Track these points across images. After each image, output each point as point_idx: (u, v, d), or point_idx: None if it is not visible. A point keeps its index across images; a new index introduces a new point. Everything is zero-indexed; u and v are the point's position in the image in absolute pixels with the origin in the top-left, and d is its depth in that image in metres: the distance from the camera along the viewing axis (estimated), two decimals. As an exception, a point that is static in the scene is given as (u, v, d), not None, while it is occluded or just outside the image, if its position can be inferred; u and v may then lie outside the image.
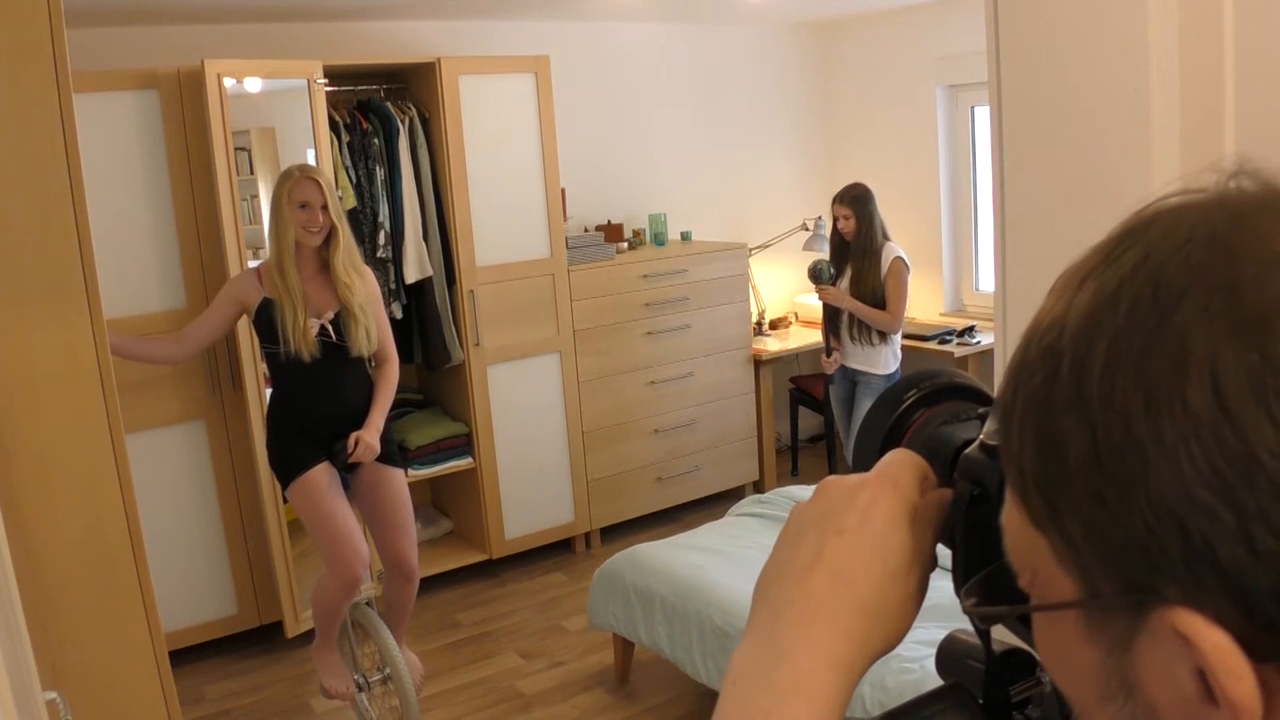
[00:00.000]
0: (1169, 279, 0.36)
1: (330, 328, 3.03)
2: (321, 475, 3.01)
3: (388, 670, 3.10)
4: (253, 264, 3.52)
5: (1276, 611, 0.34)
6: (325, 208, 2.97)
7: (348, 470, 3.09)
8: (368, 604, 3.16)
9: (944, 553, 0.56)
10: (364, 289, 3.07)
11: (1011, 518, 0.43)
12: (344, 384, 3.08)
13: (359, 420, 3.06)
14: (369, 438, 3.02)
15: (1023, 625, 0.48)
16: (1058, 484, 0.38)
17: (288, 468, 3.04)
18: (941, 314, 5.42)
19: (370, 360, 3.19)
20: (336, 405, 3.05)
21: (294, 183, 2.97)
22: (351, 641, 3.24)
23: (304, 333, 2.95)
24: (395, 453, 3.23)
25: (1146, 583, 0.36)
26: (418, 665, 3.45)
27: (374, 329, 3.08)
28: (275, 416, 3.12)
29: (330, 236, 3.00)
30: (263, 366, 3.57)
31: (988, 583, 0.47)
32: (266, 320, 2.99)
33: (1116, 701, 0.39)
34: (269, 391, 3.25)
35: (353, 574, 3.00)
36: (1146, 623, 0.37)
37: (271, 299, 2.97)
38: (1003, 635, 0.53)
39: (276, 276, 2.97)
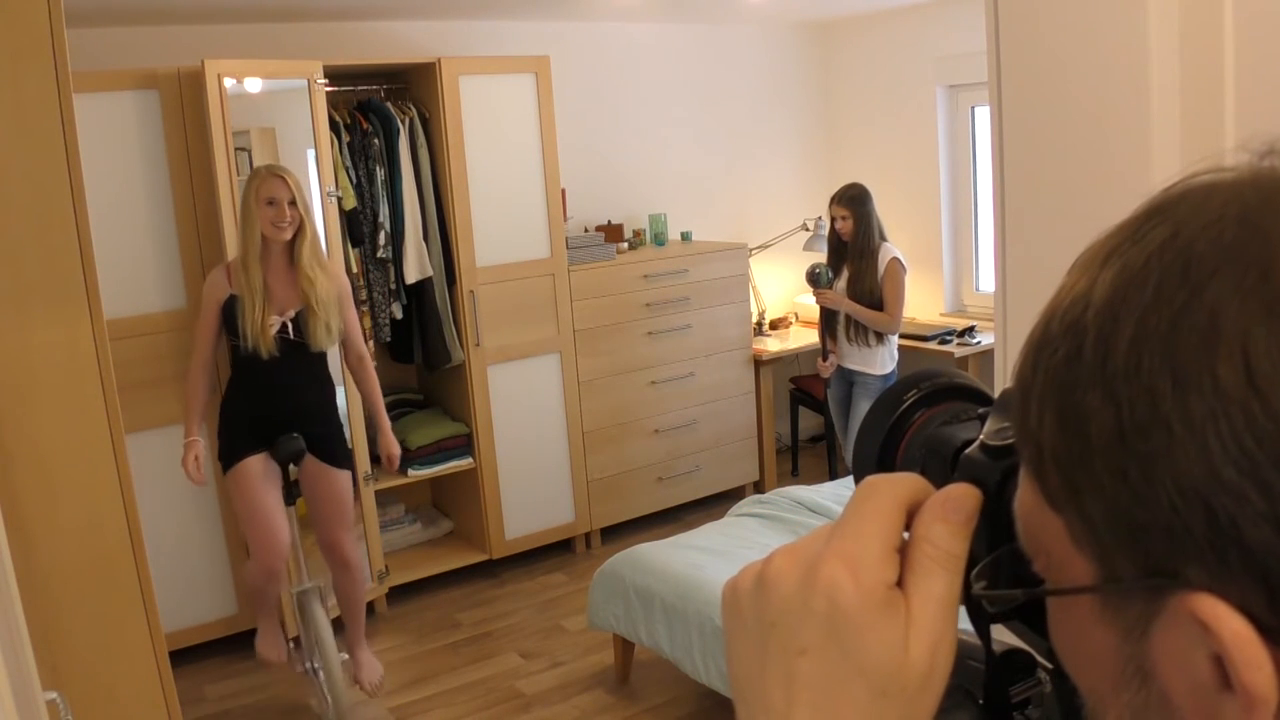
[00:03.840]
0: (1199, 256, 0.35)
1: (291, 325, 3.14)
2: (257, 465, 3.15)
3: (345, 656, 3.25)
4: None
5: None
6: (293, 203, 3.07)
7: (293, 462, 3.21)
8: (315, 590, 3.26)
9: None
10: (326, 284, 3.17)
11: (1025, 500, 0.42)
12: (298, 381, 3.20)
13: (309, 415, 3.21)
14: (392, 449, 3.35)
15: (1023, 621, 0.48)
16: (1078, 462, 0.37)
17: (229, 455, 3.17)
18: (941, 314, 5.42)
19: (341, 358, 3.34)
20: (288, 401, 3.18)
21: (261, 180, 3.08)
22: (303, 628, 3.34)
23: (263, 330, 3.07)
24: (341, 454, 3.35)
25: (1168, 566, 0.35)
26: (377, 668, 3.51)
27: (335, 323, 3.19)
28: (227, 406, 3.24)
29: (298, 231, 3.11)
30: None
31: (997, 566, 0.46)
32: (230, 315, 3.11)
33: (1131, 688, 0.38)
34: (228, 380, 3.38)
35: (271, 565, 3.17)
36: (1165, 607, 0.36)
37: (236, 295, 3.09)
38: (1003, 635, 0.53)
39: (241, 273, 3.08)
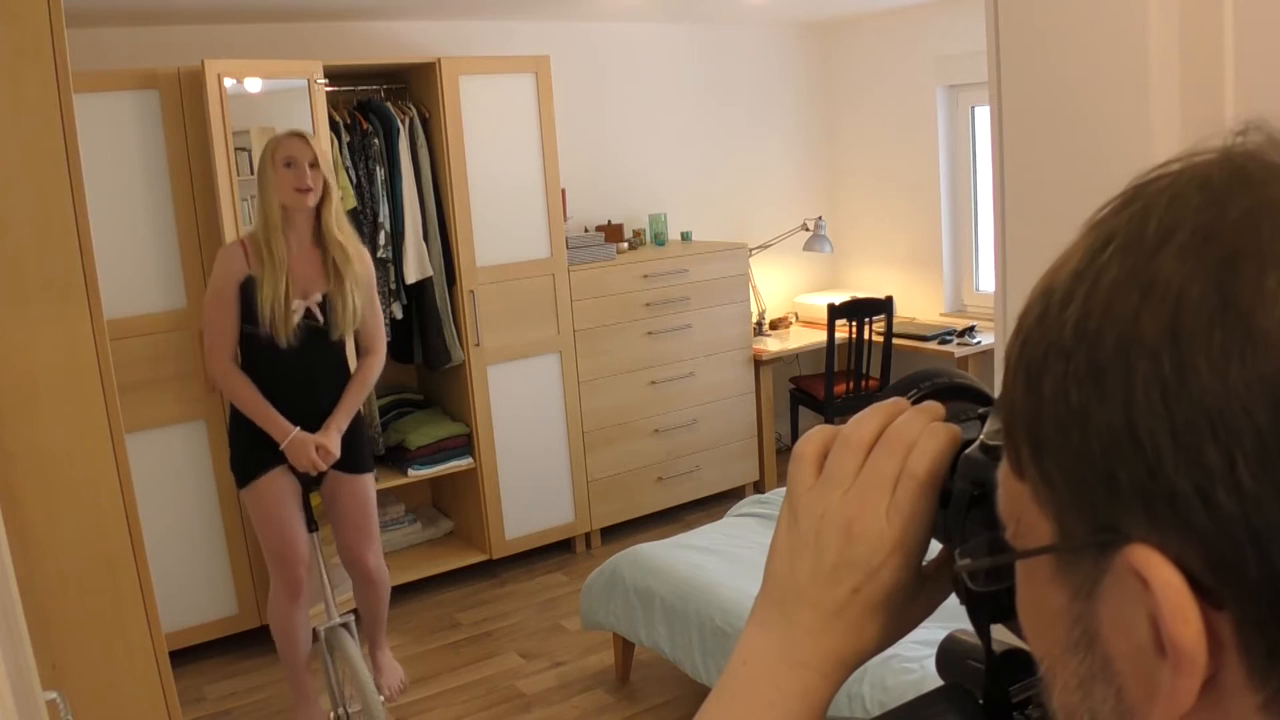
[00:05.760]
0: (1159, 220, 0.36)
1: (317, 310, 2.90)
2: (278, 480, 2.94)
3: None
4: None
5: (1223, 550, 0.33)
6: (314, 165, 2.84)
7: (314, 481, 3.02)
8: (344, 626, 2.99)
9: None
10: (361, 265, 2.96)
11: (1002, 470, 0.43)
12: (318, 375, 2.97)
13: (329, 415, 2.97)
14: (330, 444, 2.93)
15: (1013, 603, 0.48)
16: (1035, 419, 0.38)
17: (245, 469, 2.96)
18: (941, 314, 5.41)
19: (357, 347, 3.11)
20: (309, 400, 2.95)
21: (278, 142, 2.85)
22: (331, 668, 3.07)
23: (285, 315, 2.83)
24: (363, 458, 3.13)
25: (1110, 520, 0.36)
26: (398, 672, 3.44)
27: (361, 304, 2.96)
28: (239, 411, 2.98)
29: (322, 199, 2.88)
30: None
31: (978, 548, 0.48)
32: (247, 298, 2.86)
33: (1078, 653, 0.38)
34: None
35: (294, 576, 3.00)
36: (1112, 565, 0.36)
37: (254, 275, 2.84)
38: (1003, 635, 0.53)
39: (264, 250, 2.83)
